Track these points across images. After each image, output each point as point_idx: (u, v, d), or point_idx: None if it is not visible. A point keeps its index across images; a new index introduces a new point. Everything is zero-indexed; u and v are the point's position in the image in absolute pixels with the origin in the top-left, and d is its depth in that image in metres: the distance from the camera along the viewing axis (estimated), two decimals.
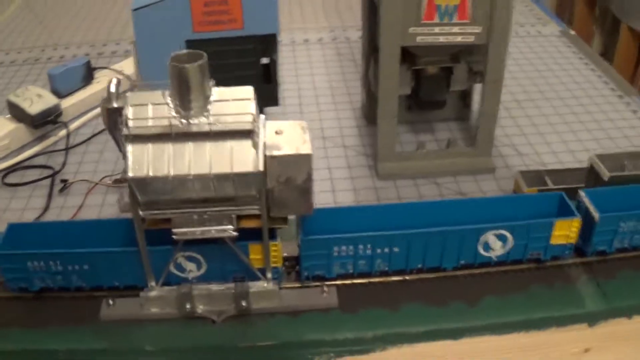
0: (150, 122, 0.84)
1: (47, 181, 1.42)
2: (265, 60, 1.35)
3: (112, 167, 1.45)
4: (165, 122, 0.84)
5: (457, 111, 1.60)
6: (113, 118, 0.87)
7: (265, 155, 0.87)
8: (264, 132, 0.90)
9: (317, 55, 1.96)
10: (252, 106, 0.86)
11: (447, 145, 1.45)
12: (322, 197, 1.34)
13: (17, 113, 1.52)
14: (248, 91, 0.88)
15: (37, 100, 1.52)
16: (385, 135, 1.38)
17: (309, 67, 1.89)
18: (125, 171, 0.85)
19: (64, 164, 1.47)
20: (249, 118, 0.85)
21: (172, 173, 0.84)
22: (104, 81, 1.71)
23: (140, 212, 0.91)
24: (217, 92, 0.87)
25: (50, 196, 1.37)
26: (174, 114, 0.85)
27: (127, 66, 1.78)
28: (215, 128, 0.85)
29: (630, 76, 3.27)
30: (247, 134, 0.86)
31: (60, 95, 1.60)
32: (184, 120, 0.85)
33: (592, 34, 3.70)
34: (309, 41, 2.05)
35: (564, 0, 4.14)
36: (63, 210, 1.34)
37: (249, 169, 0.85)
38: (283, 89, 1.70)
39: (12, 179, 1.44)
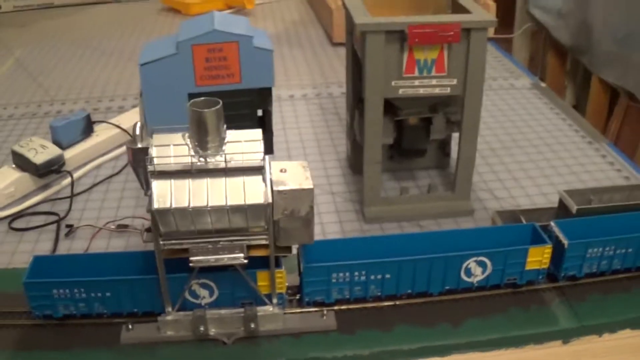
0: (172, 160, 0.95)
1: (53, 226, 1.49)
2: (261, 112, 1.44)
3: (114, 213, 1.53)
4: (186, 160, 0.95)
5: (436, 159, 1.71)
6: (137, 157, 0.97)
7: (272, 190, 0.98)
8: (270, 170, 1.00)
9: (302, 109, 2.08)
10: (261, 146, 0.97)
11: (429, 190, 1.55)
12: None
13: (21, 162, 1.59)
14: (257, 133, 0.99)
15: (41, 150, 1.59)
16: (371, 181, 1.48)
17: (295, 121, 2.00)
18: (150, 203, 0.95)
19: (68, 211, 1.54)
20: (260, 156, 0.96)
21: (192, 205, 0.94)
22: (102, 134, 1.81)
23: (161, 242, 1.01)
24: (231, 134, 0.98)
25: (56, 240, 1.44)
26: (193, 153, 0.95)
27: (124, 120, 1.88)
28: (230, 165, 0.95)
29: (603, 126, 3.35)
30: (258, 170, 0.97)
31: (61, 146, 1.67)
32: (202, 159, 0.95)
33: (564, 87, 3.77)
34: (294, 97, 2.17)
35: (535, 54, 4.24)
36: (69, 253, 1.40)
37: (260, 201, 0.96)
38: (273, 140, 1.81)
39: (18, 224, 1.51)
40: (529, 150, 1.82)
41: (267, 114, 1.44)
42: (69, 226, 1.48)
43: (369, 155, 1.45)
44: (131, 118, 1.88)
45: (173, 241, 1.00)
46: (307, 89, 2.23)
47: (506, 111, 2.05)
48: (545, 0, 3.69)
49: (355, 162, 1.68)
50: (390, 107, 1.44)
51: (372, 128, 1.41)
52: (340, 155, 1.79)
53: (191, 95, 1.33)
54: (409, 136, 1.52)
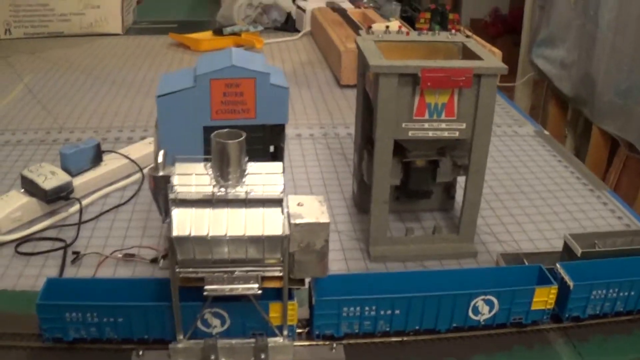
0: (193, 189, 0.97)
1: (59, 252, 1.50)
2: (273, 148, 1.46)
3: (121, 242, 1.55)
4: (207, 190, 0.97)
5: (441, 202, 1.73)
6: (158, 185, 1.00)
7: (289, 223, 1.00)
8: (287, 203, 1.03)
9: (310, 148, 2.10)
10: (281, 179, 1.00)
11: (433, 232, 1.56)
12: None
13: (30, 188, 1.61)
14: (278, 166, 1.01)
15: (50, 176, 1.61)
16: (377, 220, 1.50)
17: (302, 159, 2.02)
18: (169, 230, 0.97)
19: (75, 237, 1.55)
20: (280, 189, 0.98)
21: (211, 234, 0.97)
22: (111, 164, 1.83)
23: (177, 270, 1.03)
24: (252, 166, 1.00)
25: (62, 266, 1.45)
26: (214, 182, 0.98)
27: (133, 151, 1.90)
28: (250, 197, 0.98)
29: (602, 175, 3.38)
30: (277, 202, 0.99)
31: (70, 173, 1.68)
32: (223, 189, 0.98)
33: (564, 136, 3.80)
34: (301, 136, 2.19)
35: (537, 103, 4.28)
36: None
37: (278, 233, 0.98)
38: None
39: (25, 248, 1.52)
40: (532, 196, 1.84)
41: (280, 150, 1.46)
42: (76, 253, 1.49)
43: (377, 195, 1.47)
44: (140, 149, 1.91)
45: (189, 269, 1.02)
46: (314, 129, 2.25)
47: (510, 157, 2.08)
48: (548, 51, 3.74)
49: (361, 202, 1.70)
50: (399, 148, 1.46)
51: (381, 168, 1.44)
52: (346, 195, 1.81)
53: (206, 129, 1.36)
54: (415, 178, 1.54)
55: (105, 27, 3.39)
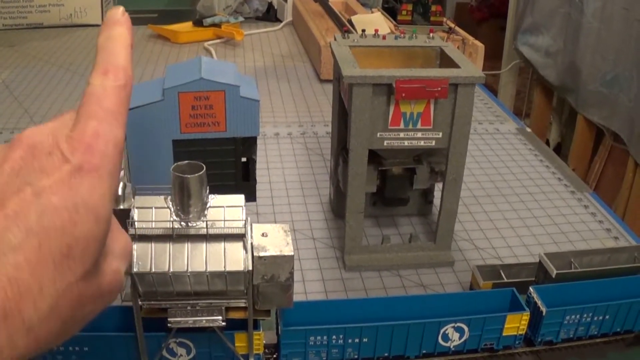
0: (153, 224, 0.95)
1: None
2: (244, 160, 1.45)
3: None
4: (167, 225, 0.94)
5: (419, 207, 1.72)
6: (119, 218, 0.97)
7: (252, 256, 0.98)
8: (251, 233, 1.01)
9: (287, 148, 2.08)
10: (243, 213, 0.98)
11: (410, 240, 1.55)
12: (294, 287, 1.42)
13: None
14: (239, 199, 0.99)
15: None
16: (352, 230, 1.48)
17: (280, 161, 2.00)
18: (129, 266, 0.95)
19: None
20: (241, 224, 0.96)
21: (171, 270, 0.94)
22: None
23: (140, 302, 1.01)
24: (213, 200, 0.98)
25: None
26: (174, 217, 0.95)
27: None
28: (211, 232, 0.95)
29: (586, 165, 3.39)
30: (239, 237, 0.96)
31: None
32: (183, 224, 0.95)
33: (549, 123, 3.81)
34: (279, 135, 2.17)
35: (522, 90, 4.28)
36: None
37: (240, 268, 0.96)
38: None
39: None
40: (512, 199, 1.82)
41: (252, 162, 1.45)
42: None
43: (352, 205, 1.45)
44: None
45: (152, 302, 1.00)
46: (292, 127, 2.23)
47: (490, 157, 2.06)
48: (534, 39, 3.73)
49: (337, 207, 1.68)
50: (375, 156, 1.44)
51: (356, 178, 1.41)
52: (323, 199, 1.79)
53: (176, 142, 1.34)
54: (392, 185, 1.52)
55: (84, 18, 3.35)
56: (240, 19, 3.25)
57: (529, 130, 2.28)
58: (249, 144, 1.41)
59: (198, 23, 3.16)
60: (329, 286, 1.45)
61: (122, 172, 0.87)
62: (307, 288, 1.44)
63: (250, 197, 1.49)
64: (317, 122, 2.27)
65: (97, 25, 3.37)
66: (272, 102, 2.44)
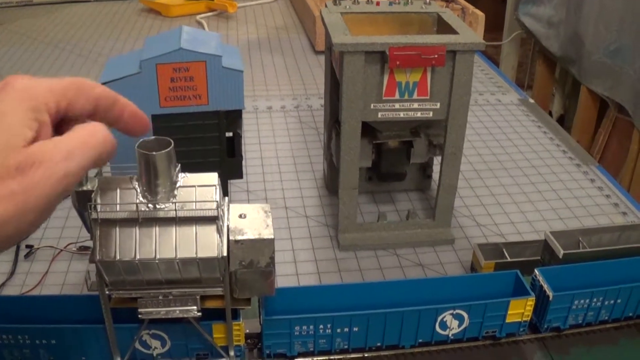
0: (118, 207, 0.86)
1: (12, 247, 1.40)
2: (229, 135, 1.37)
3: (77, 233, 1.45)
4: (133, 208, 0.86)
5: (417, 182, 1.63)
6: (83, 200, 0.89)
7: (228, 239, 0.89)
8: (228, 215, 0.92)
9: (280, 122, 1.99)
10: (216, 193, 0.89)
11: (407, 217, 1.47)
12: (285, 268, 1.35)
13: None
14: (212, 178, 0.90)
15: None
16: (346, 207, 1.40)
17: (272, 136, 1.91)
18: (93, 254, 0.87)
19: None
20: (214, 205, 0.87)
21: (138, 257, 0.86)
22: None
23: (107, 291, 0.92)
24: (183, 179, 0.89)
25: (15, 262, 1.36)
26: (141, 199, 0.87)
27: None
28: (181, 214, 0.87)
29: (590, 137, 3.32)
30: (211, 220, 0.88)
31: None
32: (150, 206, 0.86)
33: (552, 95, 3.75)
34: (272, 108, 2.08)
35: (524, 61, 4.21)
36: (29, 275, 1.33)
37: (213, 254, 0.87)
38: (247, 157, 1.73)
39: None
40: (515, 172, 1.74)
41: (237, 137, 1.37)
42: (29, 247, 1.40)
43: (345, 181, 1.37)
44: None
45: (120, 291, 0.92)
46: (286, 100, 2.14)
47: (492, 129, 1.97)
48: (535, 8, 3.64)
49: (331, 183, 1.60)
50: (369, 128, 1.36)
51: (349, 153, 1.33)
52: (317, 175, 1.71)
53: (155, 117, 1.26)
54: (388, 160, 1.44)
55: None
56: None
57: (531, 101, 2.19)
58: (233, 118, 1.33)
59: None
60: (322, 267, 1.37)
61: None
62: (299, 269, 1.36)
63: (236, 174, 1.41)
64: (311, 95, 2.18)
65: (87, 1, 3.29)
66: (266, 75, 2.35)
